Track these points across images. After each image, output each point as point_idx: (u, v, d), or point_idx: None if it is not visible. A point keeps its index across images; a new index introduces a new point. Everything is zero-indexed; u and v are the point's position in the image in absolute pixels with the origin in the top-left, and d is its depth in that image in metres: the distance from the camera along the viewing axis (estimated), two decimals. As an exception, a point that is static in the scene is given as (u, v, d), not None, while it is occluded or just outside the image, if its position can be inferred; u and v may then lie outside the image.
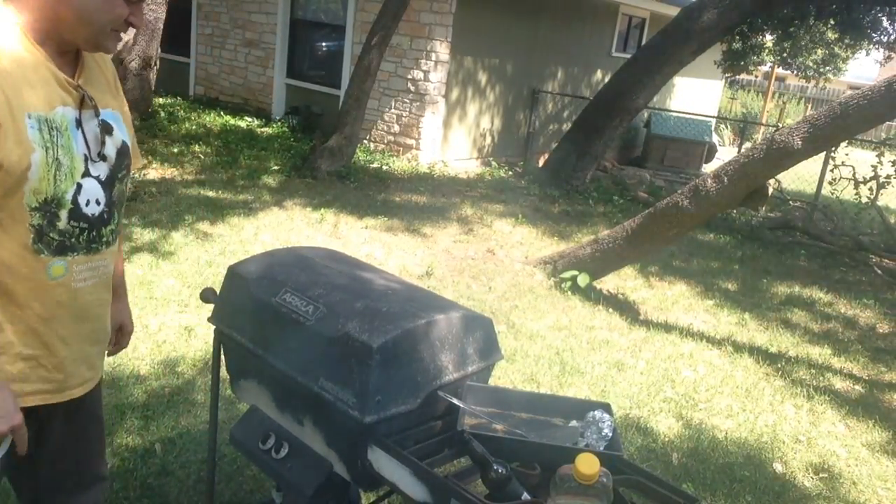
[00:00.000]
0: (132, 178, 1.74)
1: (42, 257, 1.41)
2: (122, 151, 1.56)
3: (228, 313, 1.94)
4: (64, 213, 1.42)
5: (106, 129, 1.50)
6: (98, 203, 1.48)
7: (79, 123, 1.44)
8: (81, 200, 1.45)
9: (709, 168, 11.96)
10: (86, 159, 1.45)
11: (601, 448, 1.57)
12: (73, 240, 1.45)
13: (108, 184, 1.51)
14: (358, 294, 1.78)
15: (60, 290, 1.46)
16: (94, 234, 1.50)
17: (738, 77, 17.93)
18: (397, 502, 2.58)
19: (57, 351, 1.49)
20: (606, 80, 10.21)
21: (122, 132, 1.57)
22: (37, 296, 1.43)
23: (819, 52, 15.00)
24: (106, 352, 1.73)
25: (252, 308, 1.84)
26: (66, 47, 1.43)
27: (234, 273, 1.95)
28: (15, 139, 1.32)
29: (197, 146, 8.25)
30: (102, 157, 1.49)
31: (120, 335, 1.84)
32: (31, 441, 1.45)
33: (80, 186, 1.44)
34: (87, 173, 1.45)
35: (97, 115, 1.47)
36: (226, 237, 5.48)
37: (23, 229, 1.38)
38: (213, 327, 2.00)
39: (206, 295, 2.05)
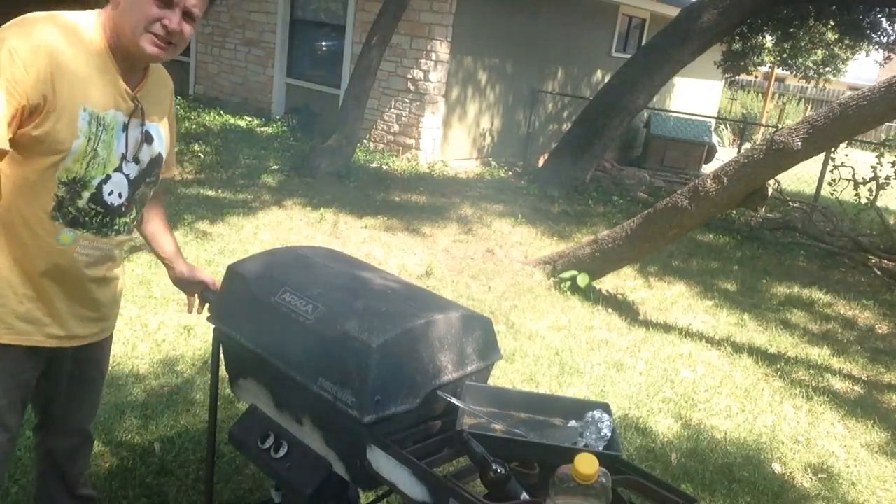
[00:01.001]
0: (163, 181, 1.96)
1: (56, 224, 1.63)
2: (156, 160, 1.79)
3: (228, 312, 1.94)
4: (87, 194, 1.64)
5: (147, 138, 1.74)
6: (120, 196, 1.71)
7: (125, 127, 1.67)
8: (106, 189, 1.67)
9: (708, 168, 11.97)
10: (122, 158, 1.68)
11: (600, 448, 1.57)
12: (86, 218, 1.67)
13: (134, 183, 1.74)
14: (357, 294, 1.78)
15: (62, 256, 1.67)
16: (108, 219, 1.71)
17: (737, 77, 17.91)
18: (396, 502, 2.58)
19: (52, 303, 1.71)
20: (606, 80, 10.21)
21: (161, 145, 1.80)
22: (43, 254, 1.65)
23: (819, 52, 15.00)
24: (106, 318, 1.90)
25: (251, 307, 1.84)
26: (134, 61, 1.65)
27: (233, 272, 1.95)
28: (67, 124, 1.55)
29: (196, 145, 8.25)
30: (136, 160, 1.72)
31: (205, 293, 2.08)
32: (41, 376, 1.80)
33: (108, 177, 1.67)
34: (119, 169, 1.68)
35: (143, 124, 1.71)
36: (225, 236, 5.48)
37: (49, 196, 1.60)
38: (213, 327, 2.00)
39: (206, 296, 2.06)
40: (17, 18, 1.55)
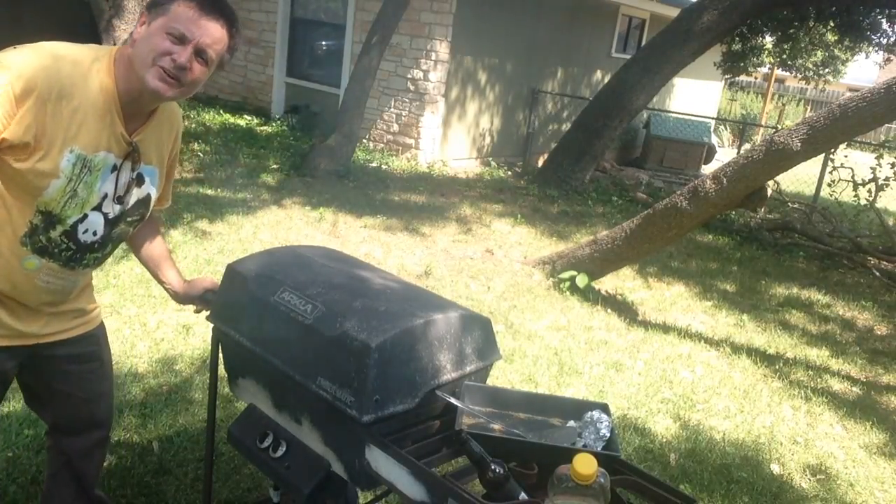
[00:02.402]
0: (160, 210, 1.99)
1: (24, 249, 1.61)
2: (143, 201, 1.77)
3: (227, 311, 1.94)
4: (60, 228, 1.63)
5: (138, 181, 1.72)
6: (94, 234, 1.69)
7: (115, 168, 1.64)
8: (80, 228, 1.65)
9: (708, 169, 11.98)
10: (104, 197, 1.66)
11: (599, 448, 1.57)
12: (55, 250, 1.65)
13: (113, 222, 1.71)
14: (356, 293, 1.78)
15: (23, 279, 1.66)
16: (78, 255, 1.70)
17: (737, 78, 17.92)
18: (395, 502, 2.58)
19: (17, 314, 1.70)
20: (606, 80, 10.21)
21: (152, 185, 1.78)
22: (6, 273, 1.63)
23: (819, 54, 14.99)
24: (88, 312, 1.91)
25: (250, 306, 1.84)
26: (142, 102, 1.62)
27: (232, 271, 1.95)
28: (49, 163, 1.52)
29: (196, 144, 8.24)
30: (121, 202, 1.70)
31: (206, 294, 2.04)
32: (35, 381, 1.87)
33: (85, 216, 1.65)
34: (98, 208, 1.66)
35: (135, 168, 1.69)
36: (224, 235, 5.47)
37: (23, 221, 1.58)
38: (212, 326, 2.00)
39: (206, 296, 2.06)
40: (32, 46, 1.52)
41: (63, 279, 1.71)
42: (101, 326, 1.99)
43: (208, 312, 2.02)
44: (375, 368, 1.56)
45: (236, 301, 1.90)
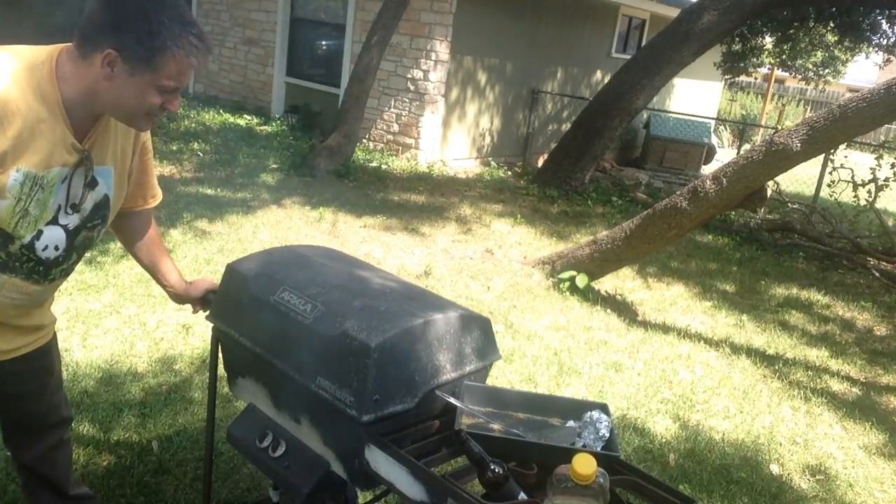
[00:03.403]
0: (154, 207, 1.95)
1: None
2: (101, 204, 1.67)
3: (226, 311, 1.94)
4: (17, 244, 1.54)
5: (91, 184, 1.61)
6: (56, 249, 1.61)
7: (66, 178, 1.54)
8: (39, 245, 1.57)
9: (708, 169, 11.98)
10: (59, 209, 1.57)
11: (598, 448, 1.57)
12: (16, 265, 1.57)
13: (74, 232, 1.63)
14: (356, 293, 1.78)
15: None
16: (41, 269, 1.62)
17: (737, 79, 17.92)
18: (394, 502, 2.58)
19: None
20: (606, 80, 10.21)
21: (108, 186, 1.67)
22: None
23: (818, 54, 15.01)
24: (38, 330, 1.83)
25: (250, 306, 1.84)
26: (90, 113, 1.53)
27: (232, 270, 1.94)
28: None
29: (196, 144, 8.24)
30: (76, 209, 1.60)
31: (207, 293, 2.03)
32: None
33: (40, 233, 1.55)
34: (54, 221, 1.57)
35: (88, 174, 1.59)
36: (224, 235, 5.47)
37: None
38: (211, 325, 2.00)
39: (207, 296, 2.06)
40: None
41: (28, 294, 1.64)
42: (54, 337, 1.92)
43: (207, 312, 2.02)
44: (375, 368, 1.56)
45: (236, 300, 1.90)
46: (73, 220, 1.61)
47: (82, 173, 1.57)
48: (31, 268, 1.60)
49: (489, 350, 1.86)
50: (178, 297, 2.06)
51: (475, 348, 1.81)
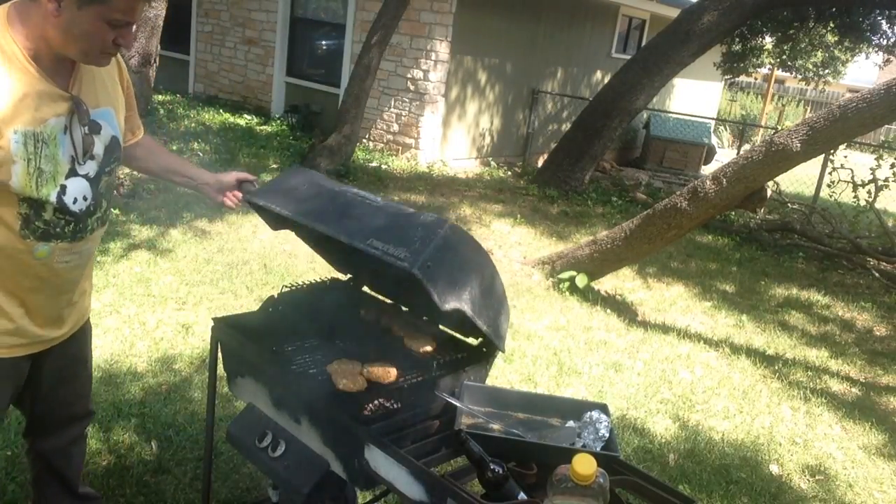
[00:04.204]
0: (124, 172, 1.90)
1: (28, 241, 1.58)
2: (111, 147, 1.69)
3: (277, 192, 1.92)
4: (49, 208, 1.58)
5: (93, 129, 1.62)
6: (85, 199, 1.64)
7: (67, 129, 1.56)
8: (67, 199, 1.60)
9: (708, 170, 11.98)
10: (72, 160, 1.59)
11: (598, 448, 1.57)
12: (57, 229, 1.61)
13: (96, 180, 1.66)
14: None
15: (44, 269, 1.64)
16: (80, 225, 1.66)
17: (737, 79, 17.91)
18: (394, 501, 2.58)
19: (42, 313, 1.71)
20: (606, 80, 10.21)
21: (113, 127, 1.69)
22: (23, 271, 1.62)
23: (818, 54, 14.98)
24: (89, 298, 1.92)
25: (310, 189, 1.87)
26: (61, 61, 1.53)
27: (302, 169, 2.01)
28: None
29: (196, 144, 8.23)
30: (91, 157, 1.63)
31: (244, 185, 2.01)
32: (25, 382, 1.80)
33: (64, 187, 1.58)
34: (73, 173, 1.60)
35: (86, 120, 1.59)
36: (224, 235, 5.47)
37: (12, 217, 1.54)
38: (211, 325, 2.00)
39: (245, 187, 2.03)
40: None
41: (78, 253, 1.70)
42: (89, 324, 1.98)
43: (242, 196, 2.01)
44: (441, 241, 1.57)
45: (294, 185, 1.90)
46: (91, 168, 1.64)
47: (78, 120, 1.58)
48: (71, 228, 1.64)
49: (500, 333, 1.84)
50: (215, 189, 2.02)
51: (497, 317, 1.80)
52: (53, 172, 1.55)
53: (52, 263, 1.64)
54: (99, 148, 1.65)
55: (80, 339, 1.93)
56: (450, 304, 1.59)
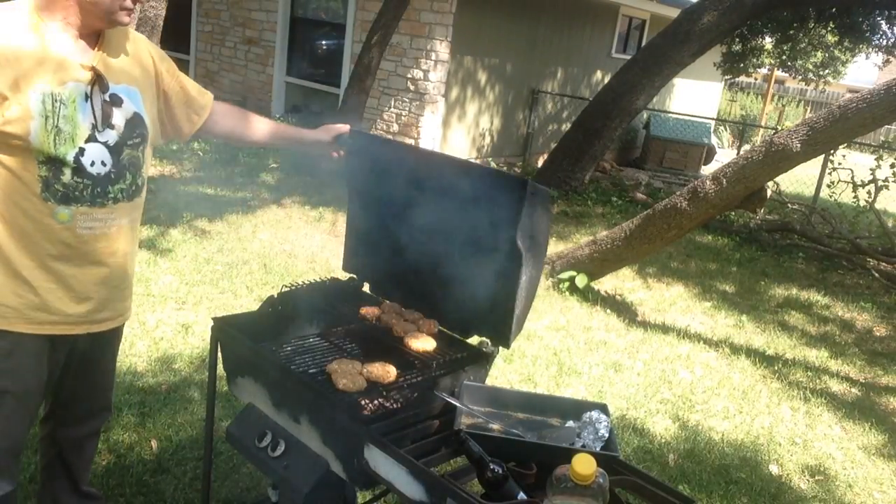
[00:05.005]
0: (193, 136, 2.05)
1: (49, 204, 1.65)
2: (134, 122, 1.77)
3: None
4: (68, 170, 1.65)
5: (114, 102, 1.72)
6: (104, 164, 1.71)
7: (87, 97, 1.66)
8: (85, 161, 1.67)
9: (708, 170, 11.98)
10: (93, 127, 1.68)
11: (598, 448, 1.57)
12: (76, 192, 1.68)
13: (116, 149, 1.73)
14: None
15: (66, 234, 1.69)
16: (99, 190, 1.71)
17: (737, 79, 17.91)
18: (393, 501, 2.58)
19: (71, 286, 1.74)
20: (606, 80, 10.21)
21: (136, 104, 1.77)
22: (46, 236, 1.67)
23: (818, 55, 14.98)
24: (129, 297, 1.91)
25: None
26: (86, 30, 1.66)
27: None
28: (18, 110, 1.56)
29: (196, 143, 8.23)
30: (111, 126, 1.71)
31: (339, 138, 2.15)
32: (55, 365, 1.83)
33: (82, 150, 1.66)
34: (92, 139, 1.68)
35: (106, 90, 1.69)
36: (224, 234, 5.47)
37: (33, 178, 1.63)
38: (211, 325, 2.00)
39: (341, 139, 2.13)
40: None
41: (101, 220, 1.73)
42: (123, 325, 2.03)
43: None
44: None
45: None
46: (110, 137, 1.71)
47: (99, 92, 1.68)
48: (90, 192, 1.69)
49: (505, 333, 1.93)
50: (324, 143, 2.17)
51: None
52: (72, 134, 1.64)
53: (74, 229, 1.69)
54: (119, 119, 1.72)
55: (115, 333, 1.98)
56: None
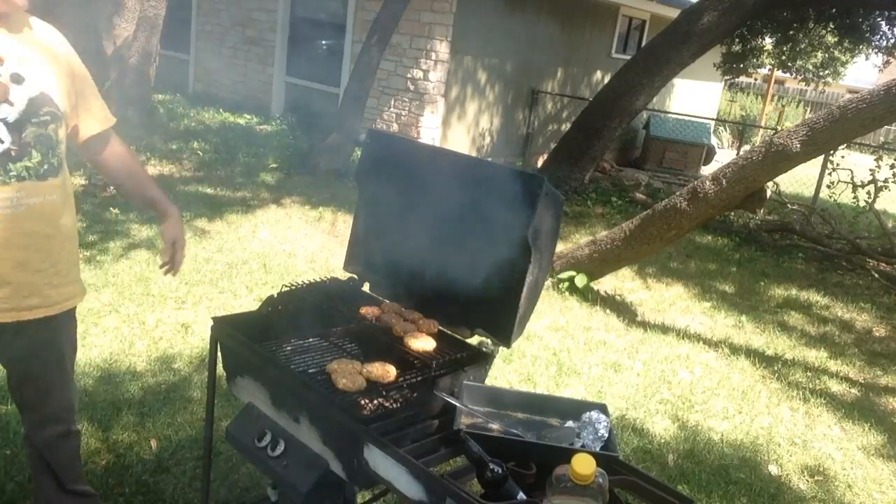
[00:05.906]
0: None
1: None
2: (38, 100, 1.74)
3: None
4: None
5: (15, 80, 1.71)
6: (2, 141, 1.68)
7: None
8: None
9: (707, 170, 11.98)
10: None
11: (597, 449, 1.57)
12: None
13: (16, 126, 1.71)
14: None
15: None
16: None
17: (737, 80, 17.90)
18: (393, 501, 2.58)
19: None
20: (606, 81, 10.21)
21: (44, 84, 1.75)
22: None
23: (818, 55, 14.98)
24: (67, 285, 1.88)
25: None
26: None
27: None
28: None
29: (195, 143, 8.23)
30: (8, 103, 1.69)
31: (173, 250, 2.02)
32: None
33: None
34: None
35: (2, 69, 1.68)
36: (223, 234, 5.47)
37: None
38: (210, 325, 2.00)
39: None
40: None
41: (6, 199, 1.68)
42: (68, 315, 1.95)
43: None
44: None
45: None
46: (9, 113, 1.69)
47: None
48: None
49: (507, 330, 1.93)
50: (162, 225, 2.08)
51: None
52: None
53: None
54: (18, 96, 1.70)
55: (54, 324, 1.88)
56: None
